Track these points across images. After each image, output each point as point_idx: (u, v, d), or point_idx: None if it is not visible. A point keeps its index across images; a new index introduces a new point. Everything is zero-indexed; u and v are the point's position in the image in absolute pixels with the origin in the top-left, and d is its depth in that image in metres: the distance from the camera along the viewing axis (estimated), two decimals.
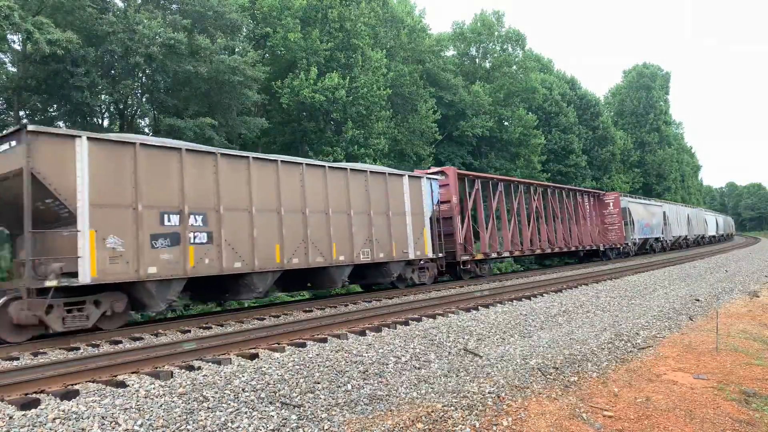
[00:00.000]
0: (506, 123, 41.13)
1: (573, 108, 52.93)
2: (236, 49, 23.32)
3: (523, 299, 13.69)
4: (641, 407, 6.31)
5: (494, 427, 5.33)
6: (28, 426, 4.84)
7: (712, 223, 64.62)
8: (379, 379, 6.72)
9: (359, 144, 25.58)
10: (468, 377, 6.92)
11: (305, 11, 25.71)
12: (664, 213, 42.28)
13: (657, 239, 40.36)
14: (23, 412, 5.20)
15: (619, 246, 33.70)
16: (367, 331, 9.38)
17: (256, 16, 25.43)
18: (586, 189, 35.13)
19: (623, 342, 9.15)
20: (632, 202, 36.73)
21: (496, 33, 42.92)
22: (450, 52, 42.56)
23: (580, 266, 28.78)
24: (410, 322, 10.39)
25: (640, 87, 74.15)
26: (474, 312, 11.69)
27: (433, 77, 35.70)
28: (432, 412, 5.50)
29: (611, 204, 33.78)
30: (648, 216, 38.26)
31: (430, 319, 10.72)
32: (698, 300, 14.16)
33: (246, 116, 22.78)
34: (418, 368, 7.29)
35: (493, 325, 10.23)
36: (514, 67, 42.32)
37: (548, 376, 6.95)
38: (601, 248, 32.22)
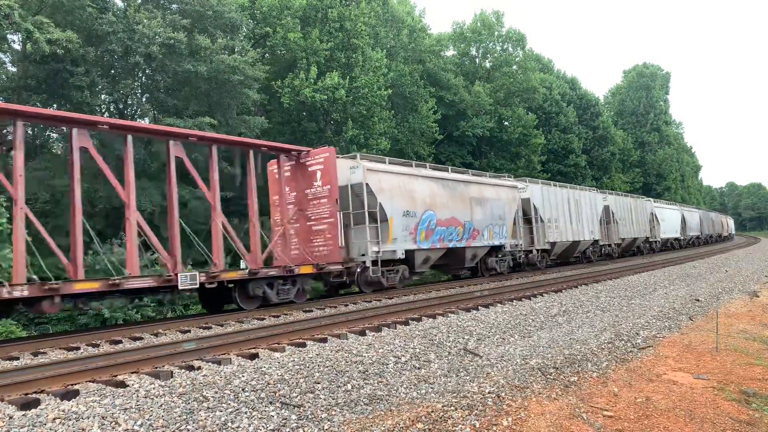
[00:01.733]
0: (506, 123, 41.21)
1: (573, 108, 53.03)
2: (236, 49, 23.35)
3: (523, 299, 13.69)
4: (641, 407, 6.31)
5: (494, 427, 5.33)
6: (28, 426, 4.84)
7: (672, 220, 42.33)
8: (379, 379, 6.72)
9: (359, 144, 25.60)
10: (468, 377, 6.92)
11: (305, 11, 25.73)
12: (530, 203, 22.88)
13: (500, 250, 20.88)
14: (23, 412, 5.20)
15: (322, 270, 14.10)
16: (367, 331, 9.38)
17: (255, 16, 25.46)
18: (240, 139, 15.05)
19: (623, 342, 9.15)
20: (380, 170, 16.06)
21: (496, 33, 43.00)
22: (450, 52, 42.63)
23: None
24: (410, 322, 10.39)
25: (640, 87, 74.31)
26: (474, 312, 11.69)
27: (434, 77, 35.75)
28: (432, 412, 5.50)
29: (318, 176, 15.00)
30: (456, 205, 18.49)
31: (430, 319, 10.72)
32: (698, 300, 14.16)
33: (246, 116, 22.81)
34: (418, 368, 7.29)
35: (493, 325, 10.23)
36: (515, 67, 42.37)
37: (548, 376, 6.94)
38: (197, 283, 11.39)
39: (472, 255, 19.71)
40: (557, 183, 27.02)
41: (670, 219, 41.77)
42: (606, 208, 30.24)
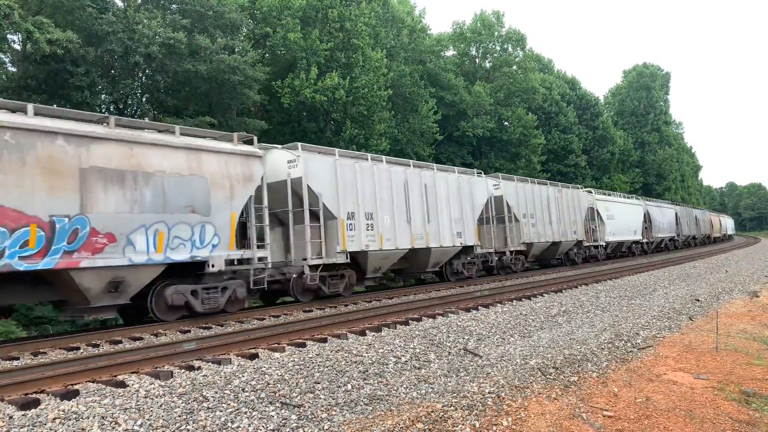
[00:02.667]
0: (506, 123, 41.24)
1: (573, 108, 53.05)
2: (236, 49, 23.36)
3: (523, 299, 13.69)
4: (641, 407, 6.31)
5: (494, 427, 5.33)
6: (28, 426, 4.84)
7: (626, 217, 32.56)
8: (379, 379, 6.71)
9: (359, 144, 25.60)
10: (468, 377, 6.91)
11: (305, 11, 25.73)
12: (302, 185, 13.35)
13: (203, 270, 10.93)
14: (23, 412, 5.20)
15: None
16: (367, 331, 9.38)
17: (255, 16, 25.46)
18: None
19: (623, 342, 9.15)
20: None
21: (496, 33, 43.02)
22: (450, 53, 42.64)
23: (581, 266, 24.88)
24: (410, 322, 10.38)
25: (640, 87, 74.27)
26: (474, 312, 11.68)
27: (434, 77, 35.77)
28: (432, 412, 5.50)
29: None
30: (19, 183, 8.44)
31: (430, 319, 10.72)
32: (698, 300, 14.16)
33: (246, 116, 22.82)
34: (418, 368, 7.29)
35: (493, 325, 10.23)
36: (514, 67, 42.38)
37: (548, 376, 6.94)
38: None
39: (107, 284, 9.70)
40: (391, 159, 16.70)
41: (622, 216, 32.01)
42: (497, 200, 21.02)
